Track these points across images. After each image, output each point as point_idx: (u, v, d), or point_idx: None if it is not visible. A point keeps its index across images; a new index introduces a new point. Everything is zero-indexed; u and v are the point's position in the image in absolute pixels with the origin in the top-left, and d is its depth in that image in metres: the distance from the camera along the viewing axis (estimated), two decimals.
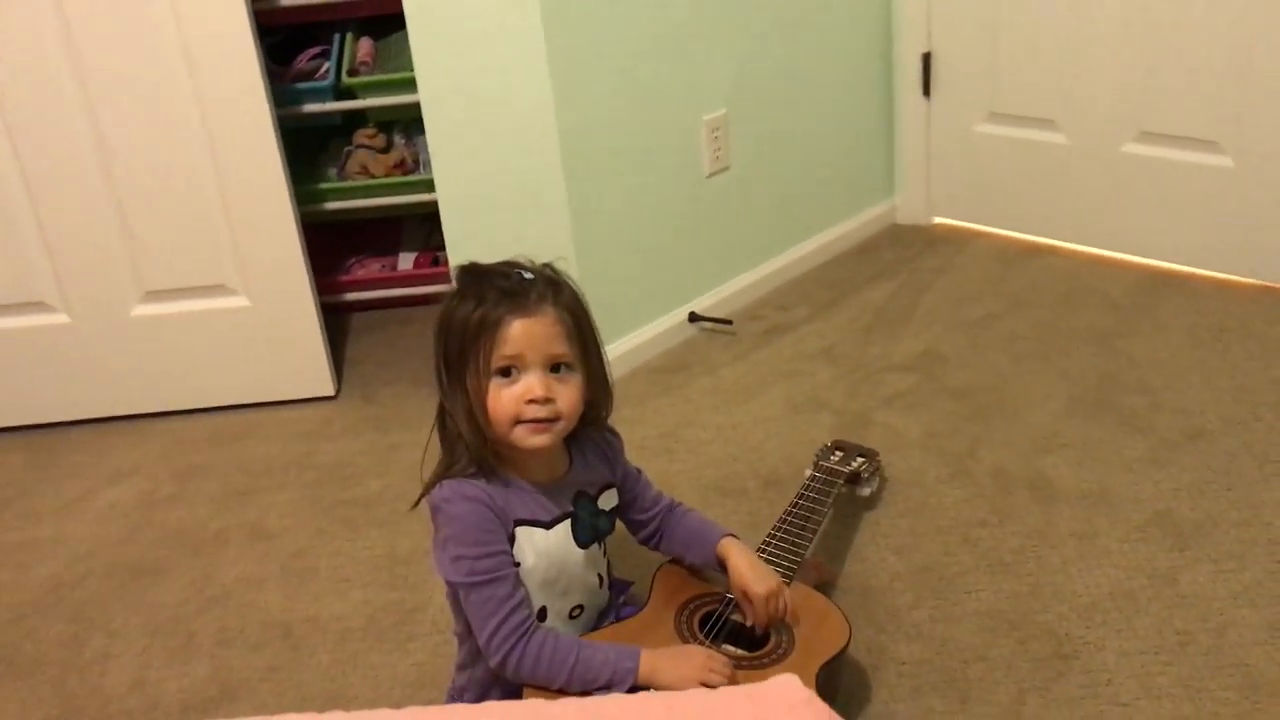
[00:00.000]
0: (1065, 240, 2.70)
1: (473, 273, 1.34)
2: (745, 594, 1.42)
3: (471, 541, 1.29)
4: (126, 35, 2.08)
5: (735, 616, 1.45)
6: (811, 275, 2.72)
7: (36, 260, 2.24)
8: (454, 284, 1.34)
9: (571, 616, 1.42)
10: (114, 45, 2.09)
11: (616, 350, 2.37)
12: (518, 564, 1.33)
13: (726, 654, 1.37)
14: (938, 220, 2.90)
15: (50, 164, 2.17)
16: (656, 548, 1.55)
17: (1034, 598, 1.67)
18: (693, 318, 2.50)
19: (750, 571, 1.43)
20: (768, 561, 1.51)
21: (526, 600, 1.32)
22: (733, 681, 1.30)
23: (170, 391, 2.37)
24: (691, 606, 1.46)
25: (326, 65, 2.50)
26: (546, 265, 1.36)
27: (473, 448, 1.32)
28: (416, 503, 1.37)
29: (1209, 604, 1.62)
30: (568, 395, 1.32)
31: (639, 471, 1.53)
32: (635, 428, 2.18)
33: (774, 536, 1.59)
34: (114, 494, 2.17)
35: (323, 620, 1.79)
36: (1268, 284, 2.43)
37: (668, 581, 1.51)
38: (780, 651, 1.40)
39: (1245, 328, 2.30)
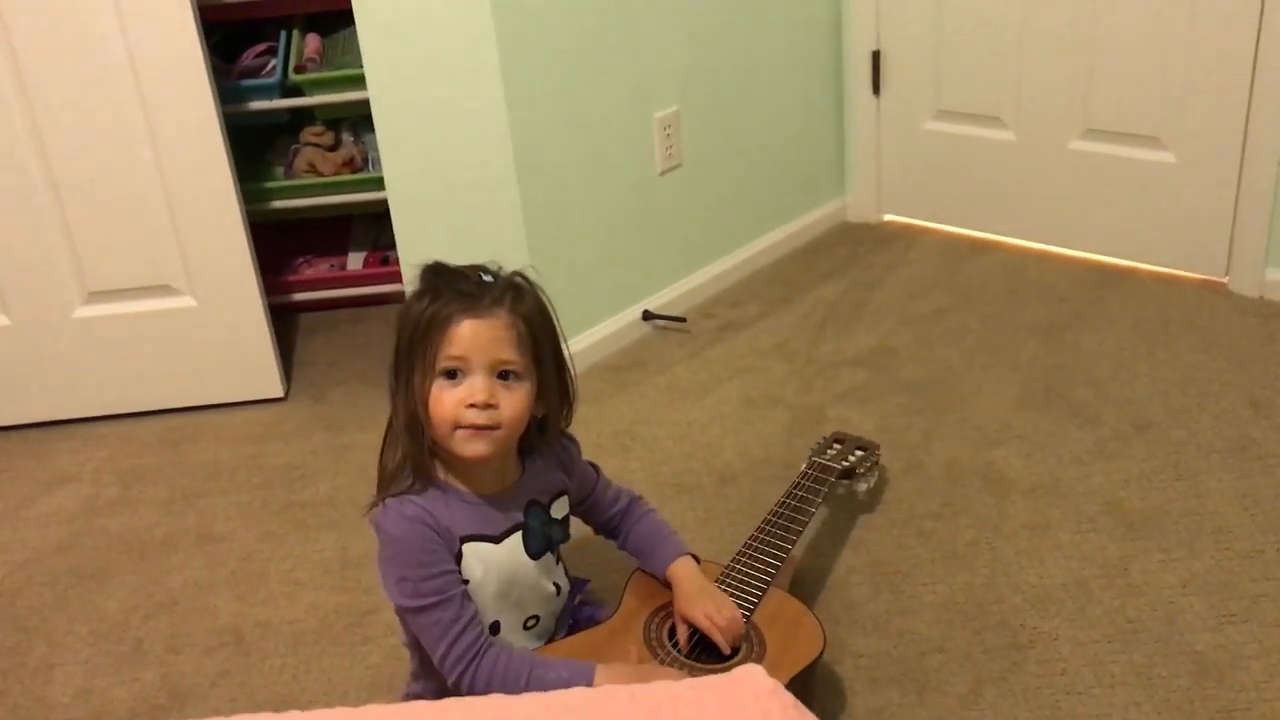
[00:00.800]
0: (1013, 236, 2.73)
1: (435, 271, 1.31)
2: (686, 620, 1.40)
3: (414, 564, 1.27)
4: (67, 30, 2.04)
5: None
6: (764, 272, 2.72)
7: None
8: (417, 281, 1.31)
9: (526, 627, 1.40)
10: (54, 41, 2.04)
11: (571, 348, 2.34)
12: (466, 581, 1.31)
13: (693, 666, 1.36)
14: (888, 217, 2.92)
15: None
16: (614, 540, 1.54)
17: (988, 589, 1.68)
18: (646, 315, 2.50)
19: (690, 602, 1.40)
20: (750, 560, 1.50)
21: (476, 618, 1.29)
22: None
23: (115, 394, 2.32)
24: (662, 615, 1.45)
25: (273, 62, 2.46)
26: (516, 272, 1.33)
27: (410, 451, 1.29)
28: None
29: (1159, 592, 1.64)
30: (511, 403, 1.27)
31: (596, 471, 1.51)
32: (591, 426, 2.17)
33: (758, 535, 1.57)
34: (57, 499, 2.12)
35: (274, 624, 1.76)
36: (1209, 278, 2.47)
37: (639, 587, 1.49)
38: (751, 660, 1.38)
39: (1189, 321, 2.33)
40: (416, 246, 2.25)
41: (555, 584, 1.42)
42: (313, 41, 2.50)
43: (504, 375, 1.27)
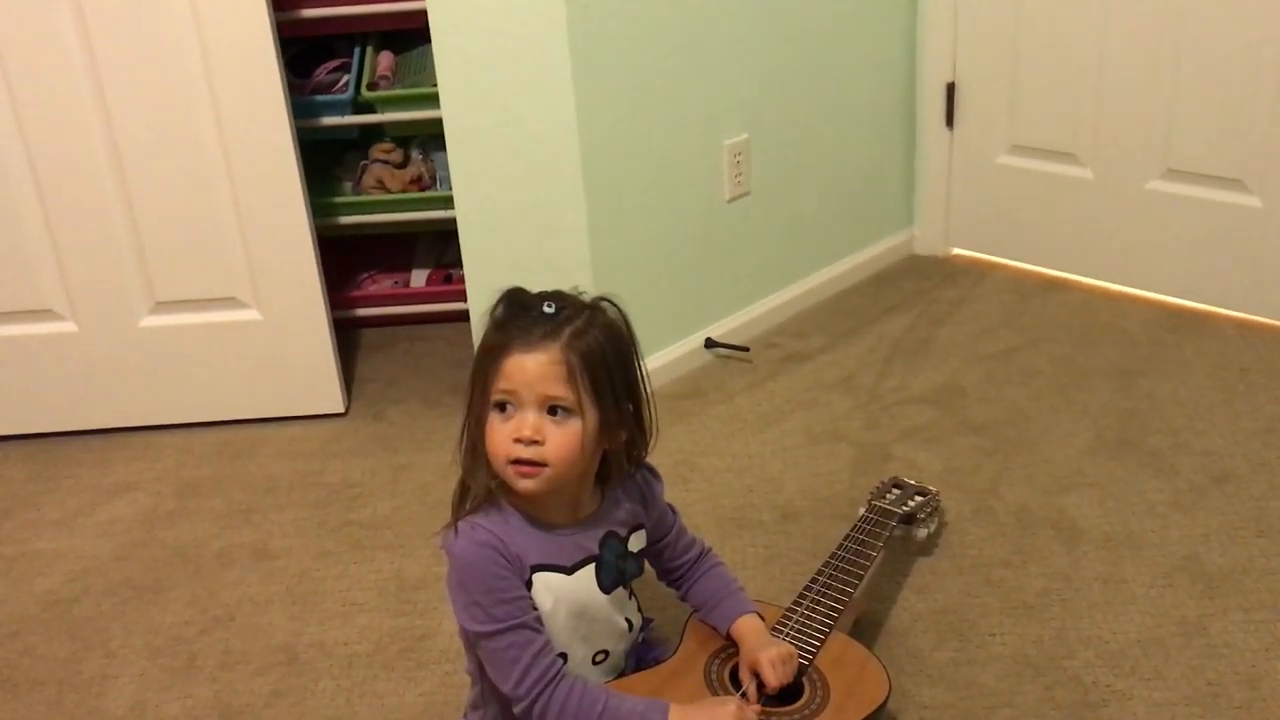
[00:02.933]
0: (1085, 275, 2.67)
1: (510, 299, 1.29)
2: (756, 666, 1.37)
3: (484, 589, 1.24)
4: (146, 42, 2.05)
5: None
6: (829, 304, 2.68)
7: (45, 267, 2.21)
8: (494, 308, 1.30)
9: (595, 662, 1.37)
10: (133, 53, 2.06)
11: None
12: (535, 610, 1.29)
13: (762, 709, 1.33)
14: (956, 251, 2.87)
15: (63, 170, 2.14)
16: (676, 590, 1.52)
17: (1060, 643, 1.63)
18: (709, 344, 2.47)
19: (755, 648, 1.38)
20: (812, 605, 1.48)
21: (549, 646, 1.27)
22: None
23: (177, 404, 2.33)
24: (723, 656, 1.42)
25: (346, 78, 2.47)
26: (599, 299, 1.30)
27: (476, 476, 1.28)
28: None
29: (1240, 655, 1.58)
30: (560, 441, 1.24)
31: (675, 515, 1.48)
32: (650, 455, 2.14)
33: (819, 578, 1.55)
34: (116, 508, 2.12)
35: (328, 645, 1.74)
36: None
37: (700, 629, 1.46)
38: (814, 706, 1.35)
39: (1270, 369, 2.26)
40: (483, 266, 2.24)
41: (627, 619, 1.39)
42: (386, 59, 2.51)
43: (553, 410, 1.24)
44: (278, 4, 2.19)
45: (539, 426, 1.23)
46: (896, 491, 1.82)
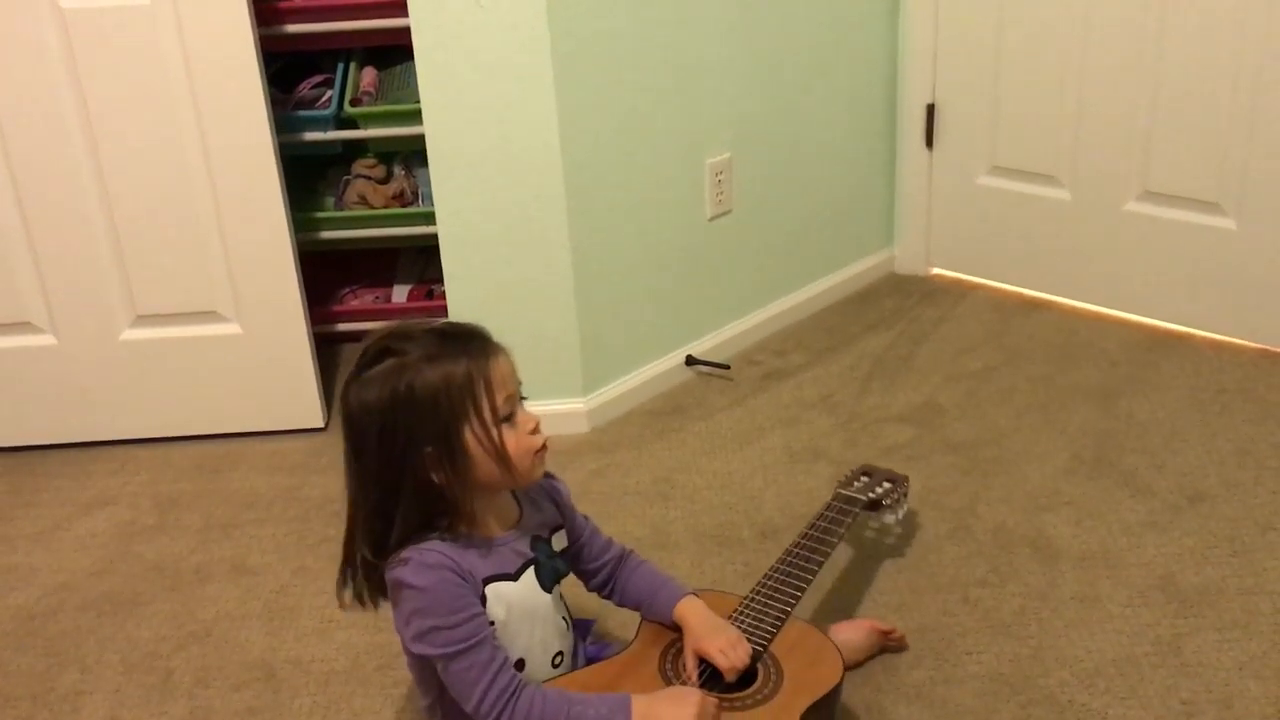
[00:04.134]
0: (1064, 296, 2.69)
1: (391, 340, 1.27)
2: (700, 655, 1.38)
3: (444, 611, 1.25)
4: (129, 56, 2.06)
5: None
6: (809, 322, 2.70)
7: (25, 279, 2.20)
8: (376, 364, 1.25)
9: (554, 665, 1.39)
10: (116, 66, 2.06)
11: (613, 391, 2.34)
12: (492, 622, 1.29)
13: (714, 690, 1.34)
14: (936, 271, 2.89)
15: (44, 181, 2.13)
16: (609, 598, 1.52)
17: (1036, 661, 1.63)
18: (690, 361, 2.48)
19: (703, 639, 1.39)
20: (770, 592, 1.49)
21: (507, 660, 1.28)
22: None
23: (157, 418, 2.32)
24: (677, 647, 1.43)
25: (329, 93, 2.48)
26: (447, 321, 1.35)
27: (462, 506, 1.28)
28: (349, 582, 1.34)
29: (1214, 674, 1.59)
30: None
31: (586, 519, 1.50)
32: (630, 472, 2.15)
33: (779, 566, 1.56)
34: (93, 522, 2.11)
35: (305, 662, 1.74)
36: (1267, 347, 2.42)
37: (652, 625, 1.47)
38: (767, 690, 1.36)
39: (1245, 390, 2.28)
40: (464, 282, 2.24)
41: (564, 618, 1.42)
42: (369, 75, 2.51)
43: (523, 399, 1.33)
44: (261, 19, 2.20)
45: (533, 416, 1.32)
46: (865, 479, 1.82)
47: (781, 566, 1.55)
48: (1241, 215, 2.38)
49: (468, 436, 1.25)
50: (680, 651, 1.42)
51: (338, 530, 2.02)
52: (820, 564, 1.57)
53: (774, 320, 2.65)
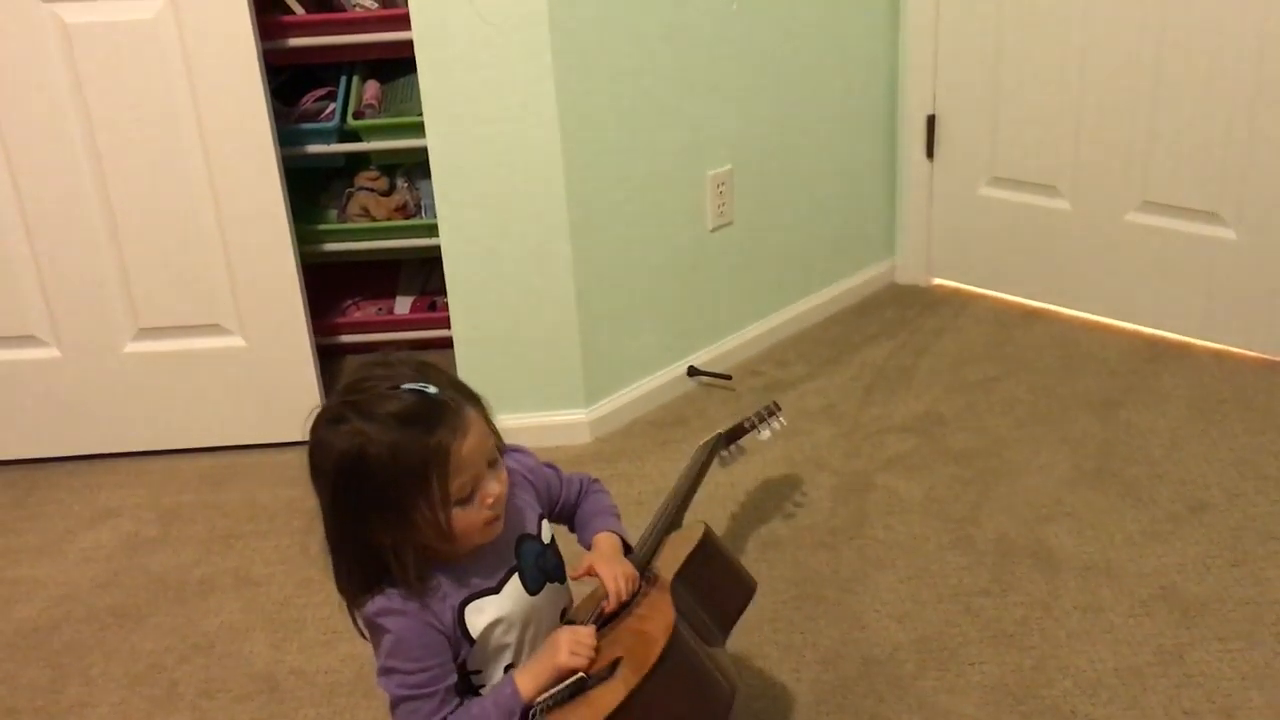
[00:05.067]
0: (1065, 305, 2.70)
1: (353, 406, 1.22)
2: (595, 574, 1.39)
3: (405, 656, 1.24)
4: (133, 70, 2.07)
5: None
6: (811, 332, 2.70)
7: (29, 293, 2.21)
8: (340, 423, 1.20)
9: None
10: (120, 80, 2.07)
11: (615, 402, 2.35)
12: (473, 642, 1.28)
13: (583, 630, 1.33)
14: (937, 281, 2.90)
15: (49, 195, 2.14)
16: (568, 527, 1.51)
17: (1038, 671, 1.64)
18: (692, 372, 2.48)
19: (605, 563, 1.38)
20: (650, 532, 1.51)
21: (448, 709, 1.26)
22: (597, 647, 1.28)
23: (160, 430, 2.33)
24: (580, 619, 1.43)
25: (332, 106, 2.49)
26: (420, 365, 1.27)
27: (416, 573, 1.25)
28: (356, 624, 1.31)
29: (1216, 684, 1.59)
30: (505, 479, 1.28)
31: (556, 470, 1.47)
32: (633, 482, 2.15)
33: (659, 513, 1.57)
34: (98, 535, 2.12)
35: (309, 673, 1.74)
36: (1268, 357, 2.42)
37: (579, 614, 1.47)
38: (645, 588, 1.37)
39: (1246, 400, 2.29)
40: (466, 294, 2.25)
41: (564, 610, 1.41)
42: (372, 88, 2.52)
43: (492, 464, 1.26)
44: (265, 33, 2.21)
45: (498, 479, 1.26)
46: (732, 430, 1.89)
47: (656, 517, 1.57)
48: (1241, 225, 2.39)
49: (415, 516, 1.22)
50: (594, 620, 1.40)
51: None
52: (688, 493, 1.62)
53: (775, 331, 2.66)
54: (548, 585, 1.37)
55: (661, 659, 1.22)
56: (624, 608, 1.36)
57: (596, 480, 1.51)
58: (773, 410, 1.92)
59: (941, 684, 1.62)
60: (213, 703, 1.69)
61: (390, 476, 1.19)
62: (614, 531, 1.45)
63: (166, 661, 1.78)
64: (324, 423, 1.22)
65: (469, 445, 1.22)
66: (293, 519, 2.12)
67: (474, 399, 1.27)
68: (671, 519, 1.56)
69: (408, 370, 1.25)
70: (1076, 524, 1.95)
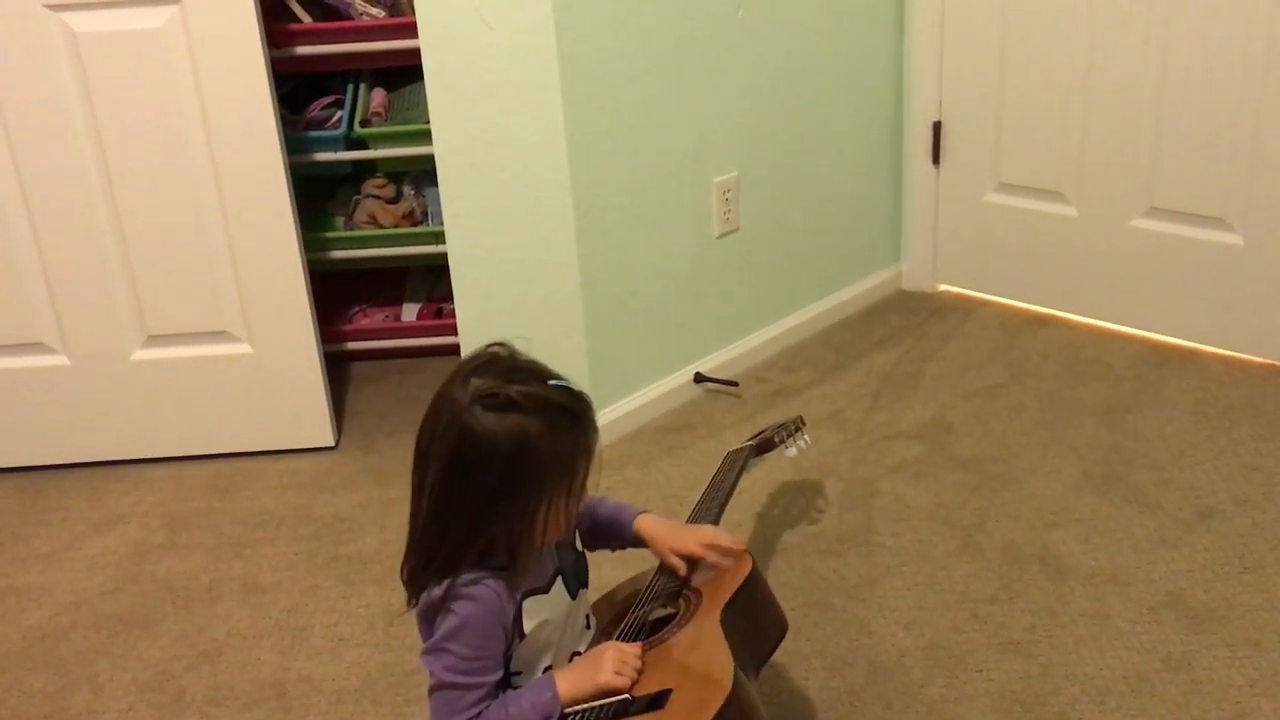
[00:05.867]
0: (1072, 311, 2.70)
1: (517, 394, 1.24)
2: (684, 552, 1.42)
3: (465, 641, 1.25)
4: (141, 78, 2.08)
5: (652, 612, 1.41)
6: (817, 339, 2.70)
7: (37, 300, 2.22)
8: (509, 411, 1.23)
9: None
10: (128, 88, 2.08)
11: (622, 409, 2.35)
12: (524, 636, 1.30)
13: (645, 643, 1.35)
14: (943, 287, 2.90)
15: (57, 203, 2.15)
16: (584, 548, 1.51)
17: (1046, 678, 1.63)
18: (698, 378, 2.48)
19: (671, 534, 1.44)
20: None
21: (483, 713, 1.27)
22: (641, 667, 1.29)
23: (168, 437, 2.33)
24: (608, 628, 1.44)
25: (339, 114, 2.50)
26: (561, 377, 1.31)
27: (520, 558, 1.27)
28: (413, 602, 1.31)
29: (1225, 691, 1.59)
30: None
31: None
32: (640, 489, 2.15)
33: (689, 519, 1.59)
34: (105, 541, 2.12)
35: (316, 680, 1.74)
36: (1275, 362, 2.42)
37: (599, 612, 1.49)
38: (689, 612, 1.37)
39: (1253, 406, 2.28)
40: (473, 301, 2.26)
41: (587, 616, 1.44)
42: (378, 96, 2.53)
43: None
44: (272, 41, 2.22)
45: None
46: (753, 441, 1.87)
47: (690, 518, 1.59)
48: (1247, 231, 2.39)
49: (547, 504, 1.25)
50: (615, 628, 1.41)
51: (347, 549, 2.06)
52: (723, 504, 1.61)
53: (782, 337, 2.66)
54: (580, 591, 1.40)
55: (726, 706, 1.20)
56: (666, 621, 1.37)
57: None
58: (799, 425, 1.91)
59: (949, 691, 1.62)
60: (220, 710, 1.69)
61: (545, 465, 1.23)
62: (646, 512, 1.48)
63: (174, 669, 1.79)
64: (482, 406, 1.22)
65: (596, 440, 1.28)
66: (300, 526, 2.12)
67: None
68: (704, 519, 1.56)
69: (531, 363, 1.30)
70: (1084, 530, 1.95)
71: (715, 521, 1.58)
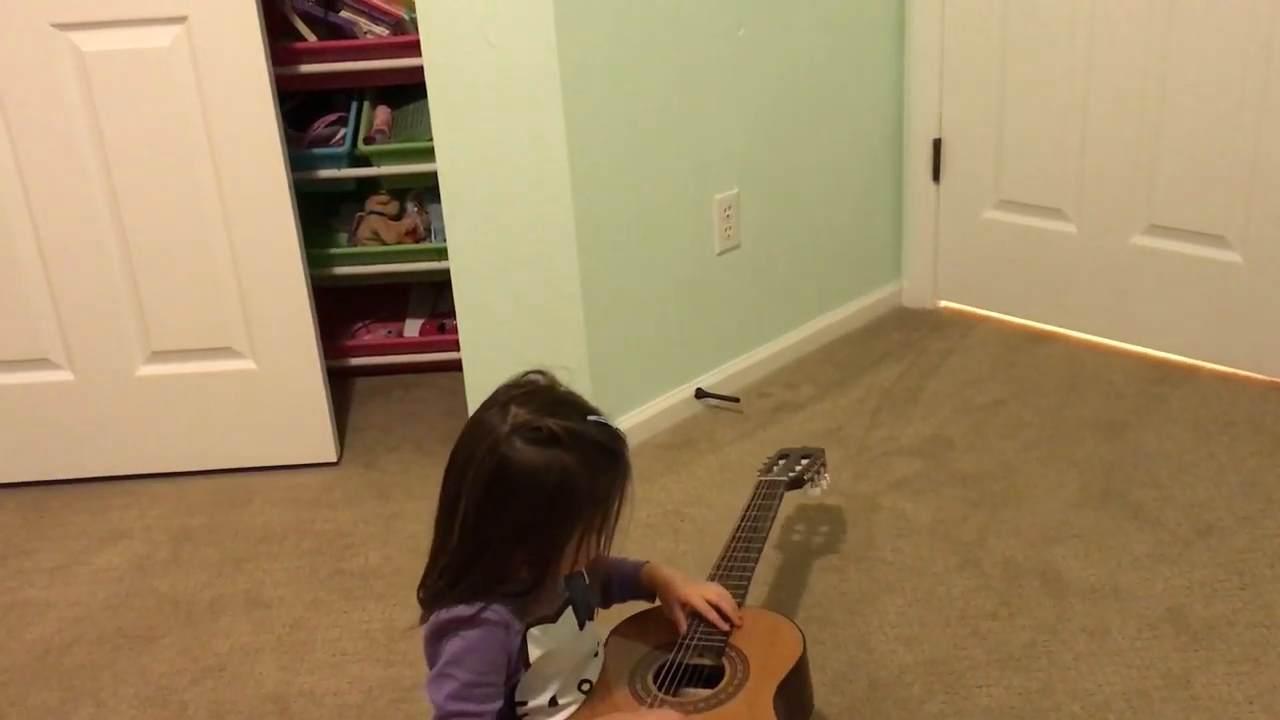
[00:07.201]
0: (1072, 328, 2.71)
1: (559, 429, 1.24)
2: (689, 603, 1.43)
3: (468, 666, 1.25)
4: (146, 95, 2.09)
5: (690, 660, 1.41)
6: (818, 355, 2.71)
7: (43, 316, 2.23)
8: (551, 445, 1.23)
9: (581, 690, 1.39)
10: (133, 106, 2.10)
11: (623, 424, 2.32)
12: (528, 666, 1.30)
13: (687, 697, 1.35)
14: (944, 304, 2.91)
15: (63, 220, 2.17)
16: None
17: (1045, 695, 1.64)
18: (700, 394, 2.49)
19: (685, 582, 1.45)
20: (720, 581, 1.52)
21: None
22: None
23: (172, 453, 2.34)
24: (645, 663, 1.44)
25: (343, 131, 2.51)
26: (598, 412, 1.31)
27: (543, 589, 1.29)
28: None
29: (1224, 708, 1.59)
30: None
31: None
32: (640, 505, 2.14)
33: (722, 561, 1.58)
34: (109, 556, 2.13)
35: (318, 695, 1.75)
36: (1274, 379, 2.43)
37: (618, 645, 1.48)
38: (738, 680, 1.37)
39: (1253, 423, 2.29)
40: (475, 317, 2.27)
41: (598, 644, 1.43)
42: (382, 113, 2.55)
43: None
44: (277, 59, 2.24)
45: None
46: (782, 461, 1.87)
47: (723, 564, 1.58)
48: (1247, 248, 2.40)
49: (577, 537, 1.26)
50: (647, 669, 1.42)
51: (350, 564, 2.06)
52: (759, 553, 1.60)
53: (783, 353, 2.67)
54: (589, 622, 1.40)
55: None
56: (700, 671, 1.38)
57: None
58: (823, 462, 1.89)
59: (949, 707, 1.63)
60: None
61: (580, 501, 1.24)
62: (647, 562, 1.48)
63: (177, 683, 1.79)
64: (521, 439, 1.23)
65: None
66: (303, 541, 2.13)
67: None
68: (741, 578, 1.54)
69: (570, 395, 1.30)
70: (1084, 546, 1.95)
71: (756, 562, 1.57)
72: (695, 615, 1.46)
